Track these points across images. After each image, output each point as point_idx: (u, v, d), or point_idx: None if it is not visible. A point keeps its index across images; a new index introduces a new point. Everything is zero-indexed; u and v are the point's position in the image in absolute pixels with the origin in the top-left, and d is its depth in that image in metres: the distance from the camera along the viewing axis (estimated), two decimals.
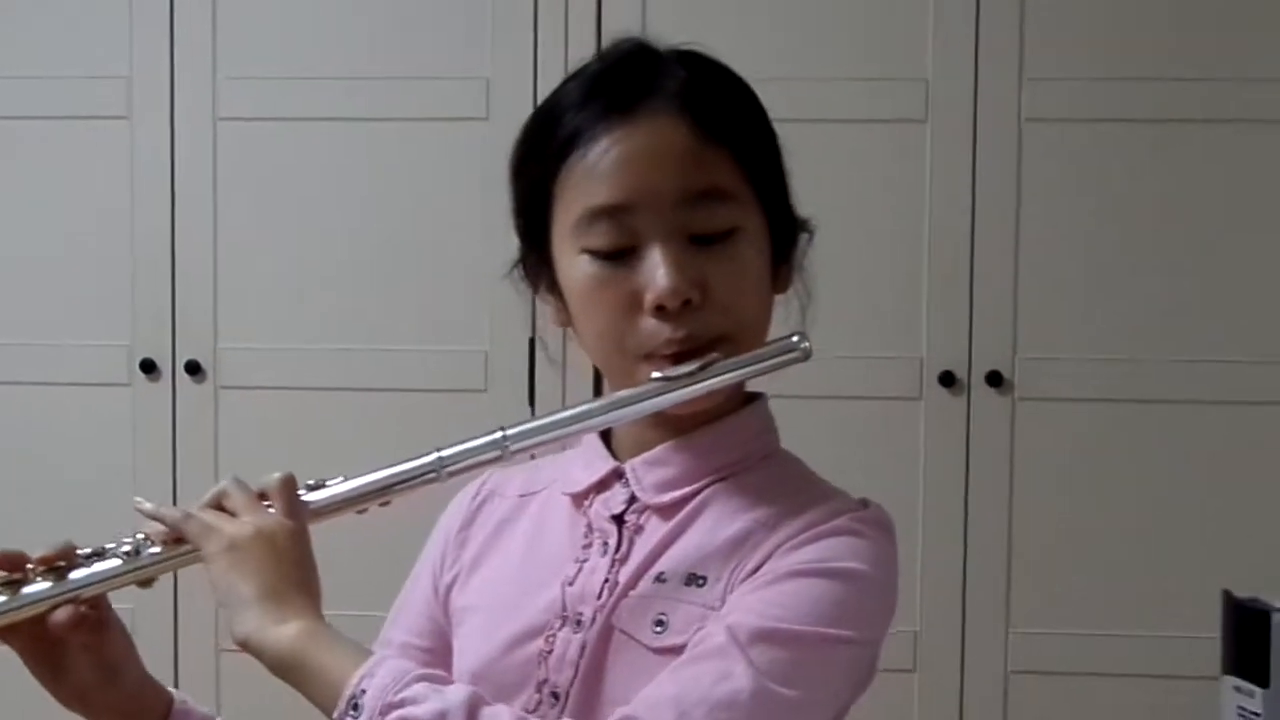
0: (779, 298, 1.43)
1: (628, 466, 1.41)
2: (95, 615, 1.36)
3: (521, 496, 1.51)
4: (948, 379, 3.17)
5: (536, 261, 1.42)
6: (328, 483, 1.35)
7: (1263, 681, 2.54)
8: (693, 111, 1.33)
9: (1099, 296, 3.17)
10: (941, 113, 3.16)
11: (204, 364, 3.32)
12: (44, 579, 1.33)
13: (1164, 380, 3.16)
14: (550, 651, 1.36)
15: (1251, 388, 3.14)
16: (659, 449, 1.40)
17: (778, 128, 1.42)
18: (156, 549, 1.33)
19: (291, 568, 1.28)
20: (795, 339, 1.36)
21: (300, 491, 1.33)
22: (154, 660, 1.46)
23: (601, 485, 1.43)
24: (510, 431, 1.34)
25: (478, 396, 3.27)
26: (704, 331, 1.33)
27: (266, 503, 1.32)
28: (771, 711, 1.23)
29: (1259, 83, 3.12)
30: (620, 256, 1.33)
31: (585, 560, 1.40)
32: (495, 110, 3.24)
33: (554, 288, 1.41)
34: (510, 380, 3.26)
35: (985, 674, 3.20)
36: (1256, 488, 3.16)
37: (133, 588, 1.35)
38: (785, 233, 1.41)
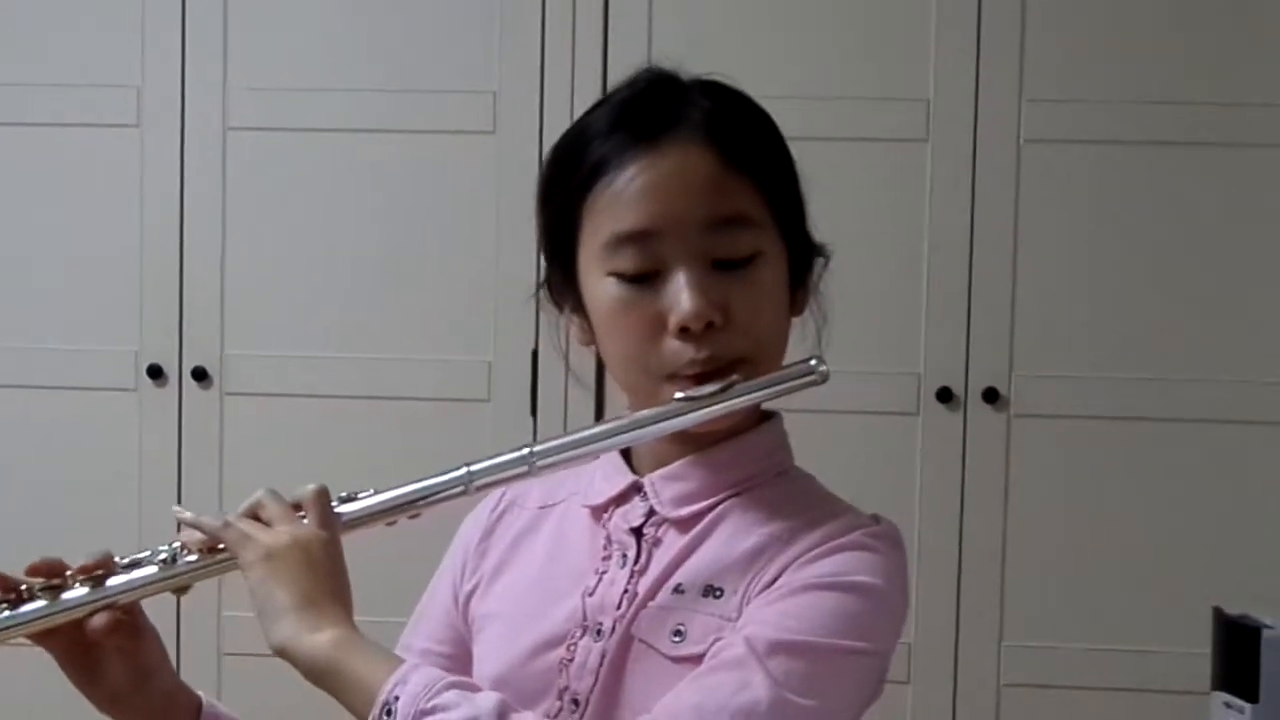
0: (795, 320, 1.47)
1: (646, 481, 1.45)
2: (131, 621, 1.40)
3: (541, 508, 1.54)
4: (945, 395, 3.20)
5: (562, 282, 1.46)
6: (359, 495, 1.39)
7: (1252, 697, 2.57)
8: (717, 141, 1.38)
9: (1095, 315, 3.21)
10: (942, 132, 3.21)
11: (210, 370, 3.34)
12: (82, 585, 1.36)
13: (1157, 398, 3.19)
14: (571, 660, 1.41)
15: (1245, 407, 3.17)
16: (677, 464, 1.44)
17: None
18: (192, 557, 1.37)
19: (326, 577, 1.31)
20: (813, 363, 1.40)
21: (333, 503, 1.38)
22: None
23: (621, 499, 1.47)
24: (538, 448, 1.38)
25: (481, 406, 3.29)
26: (725, 353, 1.37)
27: (300, 513, 1.36)
28: None
29: (1255, 106, 3.16)
30: (646, 280, 1.37)
31: (605, 571, 1.44)
32: (502, 124, 3.27)
33: (579, 308, 1.45)
34: (513, 391, 3.29)
35: (978, 687, 3.23)
36: (1248, 506, 3.19)
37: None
38: (802, 257, 1.46)
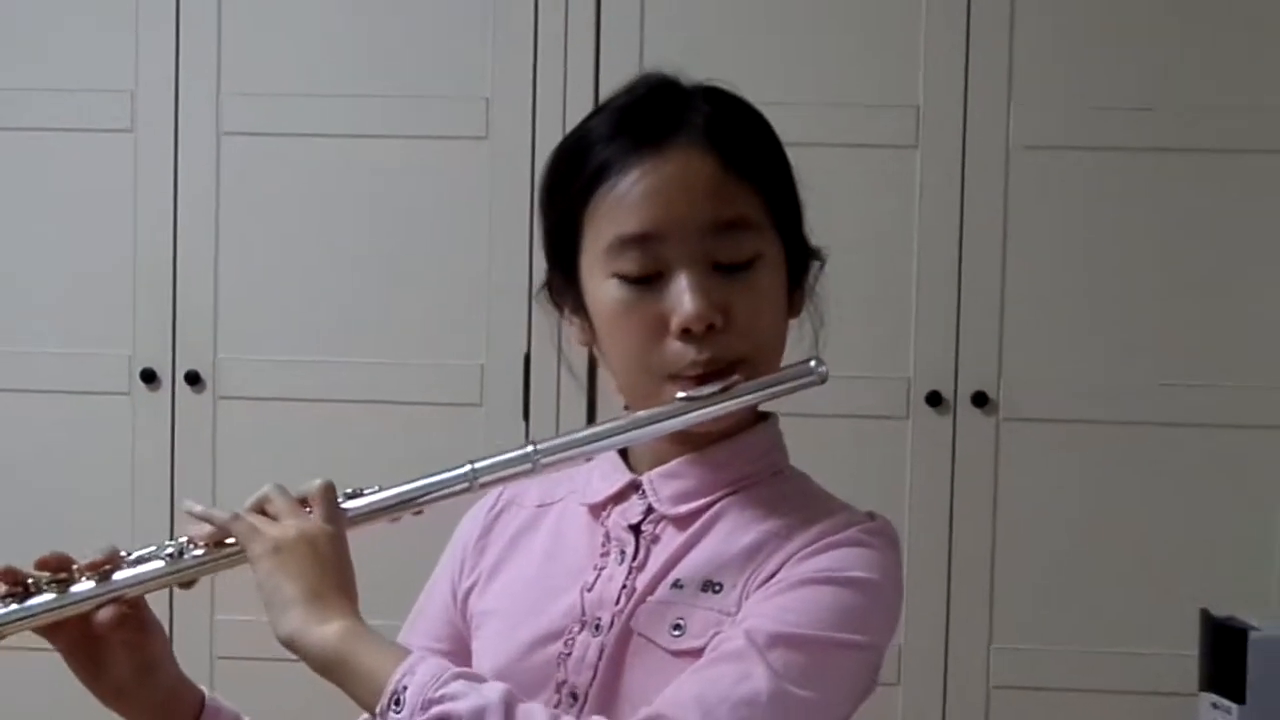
0: (791, 322, 1.50)
1: (645, 479, 1.47)
2: (136, 615, 1.42)
3: (539, 507, 1.56)
4: (934, 399, 3.22)
5: (563, 285, 1.48)
6: (364, 491, 1.41)
7: (1239, 698, 2.60)
8: (718, 146, 1.41)
9: (1083, 320, 3.23)
10: (932, 138, 3.22)
11: (204, 374, 3.35)
12: (89, 579, 1.38)
13: (1145, 403, 3.21)
14: (569, 654, 1.43)
15: (1232, 411, 3.19)
16: (675, 462, 1.46)
17: None
18: (199, 551, 1.39)
19: (333, 570, 1.33)
20: (812, 363, 1.43)
21: (338, 499, 1.39)
22: None
23: (619, 497, 1.49)
24: (541, 446, 1.41)
25: (473, 410, 3.30)
26: (726, 354, 1.40)
27: (307, 508, 1.38)
28: (789, 710, 1.30)
29: (1245, 111, 3.18)
30: (648, 282, 1.40)
31: (603, 568, 1.46)
32: (494, 129, 3.28)
33: (579, 310, 1.47)
34: (505, 394, 3.30)
35: (968, 689, 3.25)
36: (1235, 509, 3.21)
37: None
38: (800, 260, 1.49)
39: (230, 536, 1.37)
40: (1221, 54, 3.20)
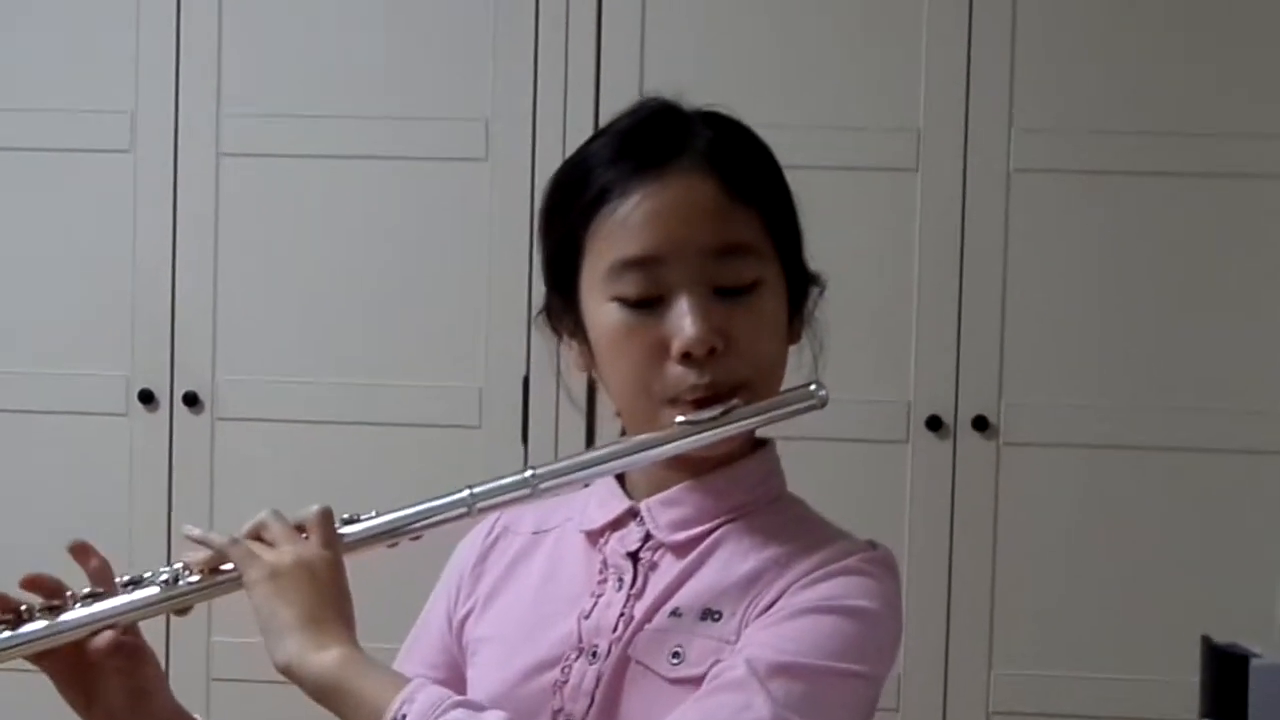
0: (791, 348, 1.49)
1: (643, 506, 1.46)
2: (130, 641, 1.41)
3: (535, 533, 1.55)
4: (934, 423, 3.22)
5: (562, 308, 1.47)
6: (361, 517, 1.40)
7: None
8: (720, 170, 1.40)
9: (1084, 344, 3.23)
10: (932, 162, 3.23)
11: (202, 395, 3.35)
12: (83, 605, 1.37)
13: (1146, 427, 3.21)
14: (566, 681, 1.41)
15: (1233, 436, 3.19)
16: (674, 489, 1.45)
17: None
18: (194, 578, 1.37)
19: (330, 596, 1.32)
20: (813, 387, 1.42)
21: (336, 524, 1.38)
22: None
23: (617, 524, 1.47)
24: (540, 470, 1.40)
25: (472, 433, 3.30)
26: (727, 378, 1.39)
27: (304, 534, 1.37)
28: None
29: (1244, 137, 3.19)
30: (649, 305, 1.39)
31: (601, 595, 1.45)
32: (494, 151, 3.29)
33: (578, 334, 1.46)
34: (504, 417, 3.29)
35: (968, 715, 3.24)
36: (1236, 535, 3.21)
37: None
38: (799, 286, 1.48)
39: (227, 561, 1.36)
40: (1221, 79, 3.20)
